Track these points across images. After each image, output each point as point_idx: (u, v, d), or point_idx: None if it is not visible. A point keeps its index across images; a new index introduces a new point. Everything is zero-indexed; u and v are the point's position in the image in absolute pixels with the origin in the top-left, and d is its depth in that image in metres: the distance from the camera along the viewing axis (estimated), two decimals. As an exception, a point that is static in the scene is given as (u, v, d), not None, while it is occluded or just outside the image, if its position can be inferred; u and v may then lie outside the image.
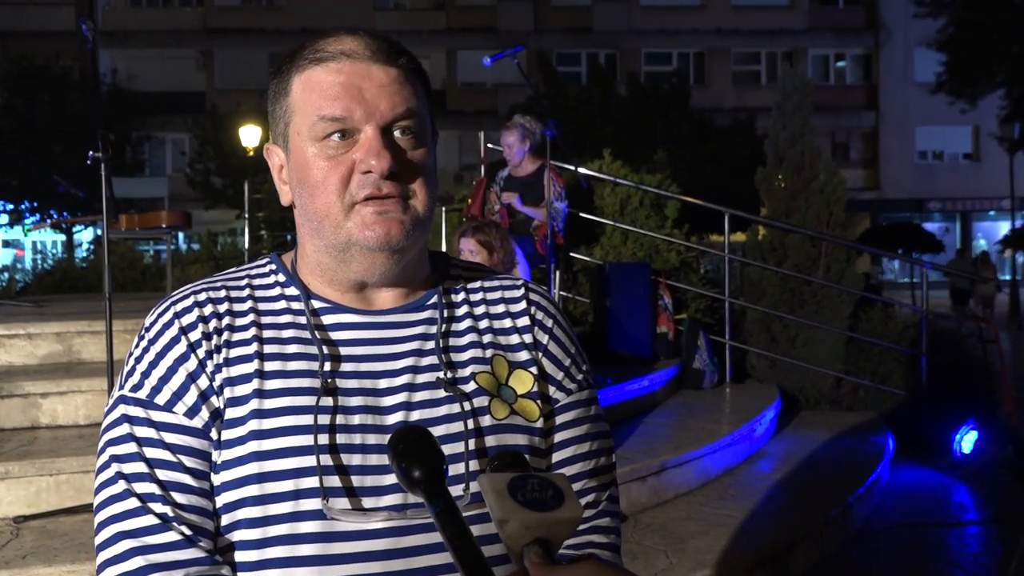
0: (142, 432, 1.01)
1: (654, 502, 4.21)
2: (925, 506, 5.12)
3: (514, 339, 1.14)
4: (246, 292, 1.10)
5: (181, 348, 1.04)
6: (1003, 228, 29.19)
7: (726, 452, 4.87)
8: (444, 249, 6.59)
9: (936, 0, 22.69)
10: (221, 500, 1.00)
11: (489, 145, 7.38)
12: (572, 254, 7.22)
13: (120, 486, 0.99)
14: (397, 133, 1.04)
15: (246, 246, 11.80)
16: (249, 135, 18.65)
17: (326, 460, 1.00)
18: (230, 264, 10.76)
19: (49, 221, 22.00)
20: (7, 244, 30.17)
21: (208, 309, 1.07)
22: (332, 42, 1.05)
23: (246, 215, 12.80)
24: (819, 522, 4.24)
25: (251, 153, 18.74)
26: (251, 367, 1.03)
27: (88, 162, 3.41)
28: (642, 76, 25.70)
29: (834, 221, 6.87)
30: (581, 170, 6.46)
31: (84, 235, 24.12)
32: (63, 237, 25.34)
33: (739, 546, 3.69)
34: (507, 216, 5.93)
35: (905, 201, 33.18)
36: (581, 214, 7.27)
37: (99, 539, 0.99)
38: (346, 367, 1.06)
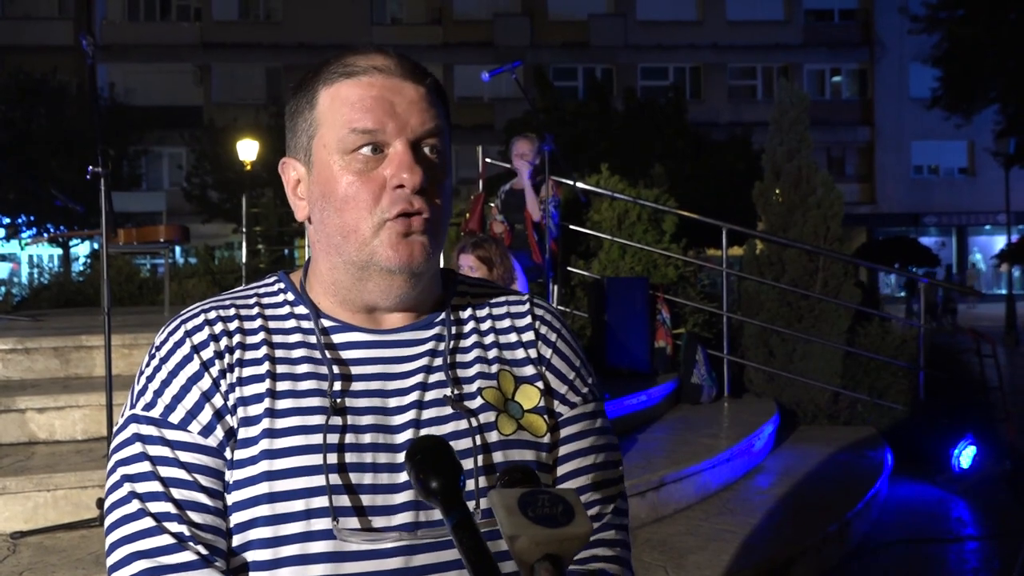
0: (155, 451, 1.00)
1: (653, 517, 4.20)
2: (923, 521, 5.11)
3: (519, 354, 1.14)
4: (256, 311, 1.10)
5: (194, 366, 1.03)
6: (999, 242, 29.29)
7: (725, 467, 4.86)
8: (442, 264, 6.60)
9: (931, 16, 22.83)
10: (233, 520, 0.99)
11: (487, 160, 7.39)
12: (570, 268, 7.23)
13: (134, 506, 0.98)
14: (426, 150, 1.05)
15: (243, 260, 11.80)
16: (246, 149, 18.66)
17: (335, 479, 0.99)
18: (227, 278, 10.80)
19: (46, 235, 21.97)
20: (3, 258, 30.16)
21: (219, 327, 1.06)
22: (362, 58, 1.05)
23: (243, 229, 12.79)
24: (817, 537, 4.23)
25: (248, 167, 18.76)
26: (263, 386, 1.03)
27: (88, 177, 3.41)
28: (638, 91, 25.82)
29: (831, 236, 6.87)
30: (579, 184, 6.47)
31: (81, 249, 24.09)
32: (60, 251, 25.32)
33: (738, 561, 3.69)
34: (509, 235, 5.95)
35: (901, 215, 33.29)
36: (579, 228, 7.28)
37: (112, 559, 0.98)
38: (357, 386, 1.06)
